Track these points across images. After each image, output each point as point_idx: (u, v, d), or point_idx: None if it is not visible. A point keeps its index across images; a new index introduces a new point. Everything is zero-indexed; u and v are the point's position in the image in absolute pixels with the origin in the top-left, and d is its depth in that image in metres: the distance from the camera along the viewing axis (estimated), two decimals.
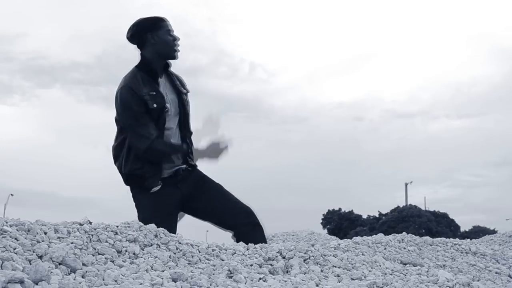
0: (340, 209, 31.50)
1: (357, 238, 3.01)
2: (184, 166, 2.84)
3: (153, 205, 2.72)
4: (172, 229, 2.61)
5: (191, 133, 2.95)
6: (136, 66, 2.81)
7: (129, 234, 1.87)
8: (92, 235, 1.77)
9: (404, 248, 3.03)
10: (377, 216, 30.35)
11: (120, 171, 2.80)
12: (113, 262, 1.66)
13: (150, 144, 2.66)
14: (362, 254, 2.47)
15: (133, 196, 2.81)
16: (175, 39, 2.81)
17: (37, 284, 1.23)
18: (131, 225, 1.99)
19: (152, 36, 2.77)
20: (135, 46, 2.83)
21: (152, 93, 2.70)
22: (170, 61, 2.88)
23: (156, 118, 2.71)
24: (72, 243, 1.65)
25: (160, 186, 2.72)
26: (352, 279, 1.91)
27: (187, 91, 2.94)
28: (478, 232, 25.27)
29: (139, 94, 2.68)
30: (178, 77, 2.94)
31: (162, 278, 1.51)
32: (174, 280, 1.52)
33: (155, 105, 2.69)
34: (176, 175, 2.79)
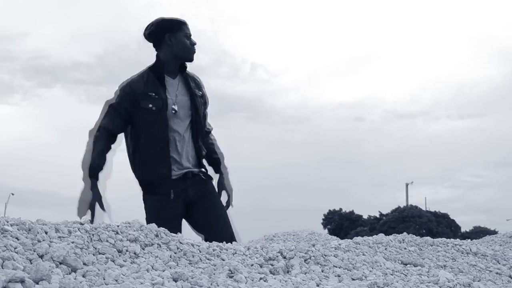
0: (340, 209, 31.49)
1: (358, 238, 3.01)
2: (196, 170, 2.83)
3: (159, 207, 2.72)
4: (176, 232, 2.61)
5: (207, 132, 2.96)
6: (149, 67, 2.83)
7: (129, 234, 1.87)
8: (92, 235, 1.77)
9: (405, 249, 3.02)
10: (378, 216, 30.34)
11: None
12: (113, 261, 1.66)
13: (96, 137, 2.70)
14: (363, 254, 2.46)
15: (142, 197, 2.81)
16: (192, 43, 2.82)
17: (37, 284, 1.23)
18: (131, 224, 1.99)
19: (170, 38, 2.78)
20: (151, 45, 2.84)
21: (151, 94, 2.72)
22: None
23: (154, 118, 2.71)
24: (73, 242, 1.65)
25: (165, 188, 2.72)
26: (353, 279, 1.91)
27: (203, 94, 2.93)
28: (478, 233, 25.24)
29: (136, 92, 2.72)
30: (195, 79, 2.94)
31: (163, 278, 1.51)
32: (175, 280, 1.52)
33: (150, 106, 2.71)
34: (185, 178, 2.78)
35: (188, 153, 2.82)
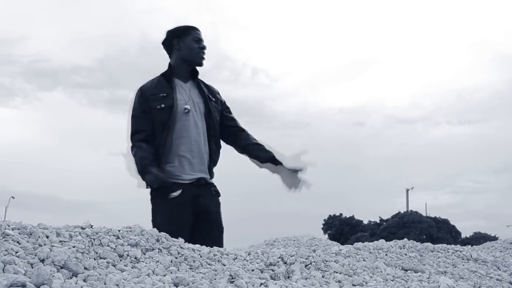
0: (341, 214, 31.46)
1: (358, 244, 3.00)
2: (208, 177, 2.86)
3: (170, 211, 2.71)
4: (186, 237, 2.60)
5: (240, 129, 2.99)
6: (161, 73, 2.92)
7: (130, 238, 1.87)
8: (94, 239, 1.78)
9: (406, 254, 3.02)
10: (378, 221, 30.31)
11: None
12: (114, 266, 1.66)
13: (137, 143, 2.73)
14: (364, 260, 2.46)
15: (151, 200, 2.81)
16: (201, 47, 2.89)
17: None
18: (132, 229, 1.99)
19: (178, 43, 2.88)
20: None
21: (162, 95, 2.80)
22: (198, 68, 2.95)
23: (167, 117, 2.76)
24: (74, 247, 1.65)
25: (179, 192, 2.72)
26: (353, 285, 1.91)
27: (217, 99, 2.97)
28: (479, 239, 25.23)
29: (146, 95, 2.81)
30: (209, 86, 3.00)
31: (164, 283, 1.51)
32: (176, 285, 1.52)
33: (162, 105, 2.77)
34: (199, 185, 2.79)
35: (202, 155, 2.84)
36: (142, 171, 2.68)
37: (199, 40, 2.90)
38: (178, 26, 2.91)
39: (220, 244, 2.80)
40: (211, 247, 2.70)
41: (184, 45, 2.87)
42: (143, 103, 2.80)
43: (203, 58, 2.91)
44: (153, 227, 2.60)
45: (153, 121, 2.78)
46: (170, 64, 2.91)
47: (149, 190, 2.82)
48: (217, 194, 2.92)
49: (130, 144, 2.78)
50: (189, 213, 2.75)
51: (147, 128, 2.77)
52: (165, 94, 2.80)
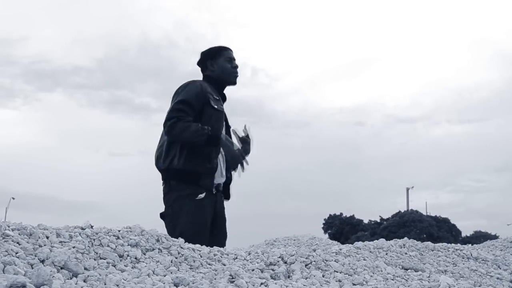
0: (341, 213, 31.43)
1: (359, 243, 3.01)
2: (221, 183, 2.91)
3: (197, 212, 2.73)
4: (207, 238, 2.64)
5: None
6: (203, 79, 2.98)
7: (130, 239, 1.87)
8: (94, 240, 1.78)
9: (406, 253, 3.02)
10: (379, 221, 30.29)
11: (167, 168, 2.80)
12: (115, 266, 1.66)
13: (178, 119, 2.72)
14: (364, 259, 2.46)
15: (174, 201, 2.78)
16: (234, 66, 2.98)
17: None
18: (132, 229, 1.99)
19: (212, 64, 2.97)
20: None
21: (216, 97, 2.89)
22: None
23: (216, 119, 2.84)
24: (74, 247, 1.65)
25: (204, 194, 2.75)
26: (354, 284, 1.91)
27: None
28: (479, 237, 25.20)
29: (206, 91, 2.84)
30: None
31: (164, 283, 1.51)
32: (176, 285, 1.52)
33: (216, 107, 2.85)
34: (217, 190, 2.86)
35: (224, 167, 2.92)
36: (211, 137, 2.74)
37: (231, 60, 2.99)
38: (211, 48, 3.01)
39: (222, 240, 2.87)
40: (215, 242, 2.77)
41: (217, 66, 2.96)
42: (201, 95, 2.81)
43: (236, 77, 2.99)
44: (173, 227, 2.63)
45: (197, 115, 2.80)
46: (209, 75, 2.98)
47: (166, 191, 2.83)
48: (226, 197, 3.01)
49: (171, 116, 2.74)
50: (210, 215, 2.80)
51: (191, 116, 2.77)
52: (218, 98, 2.90)
